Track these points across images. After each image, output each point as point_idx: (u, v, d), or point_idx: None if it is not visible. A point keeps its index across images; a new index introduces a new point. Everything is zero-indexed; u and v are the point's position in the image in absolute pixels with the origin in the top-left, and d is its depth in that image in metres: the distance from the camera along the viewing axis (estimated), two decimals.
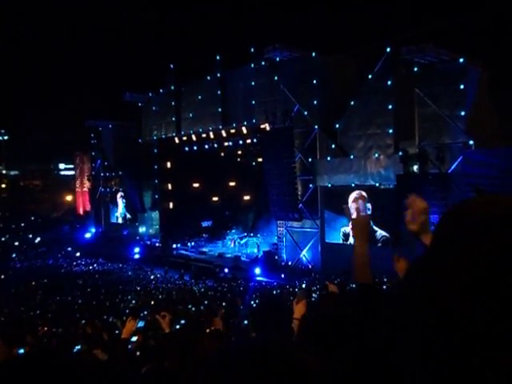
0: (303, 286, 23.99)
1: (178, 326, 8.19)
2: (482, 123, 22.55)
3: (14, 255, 42.88)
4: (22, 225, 58.16)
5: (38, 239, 50.21)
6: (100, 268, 36.35)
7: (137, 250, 39.24)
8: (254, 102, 31.47)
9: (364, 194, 26.32)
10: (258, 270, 29.11)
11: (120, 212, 45.54)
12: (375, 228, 25.28)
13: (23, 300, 24.04)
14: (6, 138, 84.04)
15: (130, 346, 5.34)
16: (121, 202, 45.26)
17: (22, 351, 6.28)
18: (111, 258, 38.39)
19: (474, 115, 22.66)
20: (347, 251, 25.96)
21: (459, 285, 0.64)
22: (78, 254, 41.44)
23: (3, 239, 50.71)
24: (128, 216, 44.41)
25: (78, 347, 7.00)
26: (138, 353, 5.70)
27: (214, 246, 39.53)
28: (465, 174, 21.39)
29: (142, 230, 42.47)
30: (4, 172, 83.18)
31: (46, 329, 12.35)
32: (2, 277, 32.71)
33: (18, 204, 67.50)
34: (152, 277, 31.53)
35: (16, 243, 48.68)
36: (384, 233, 25.13)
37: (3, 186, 78.77)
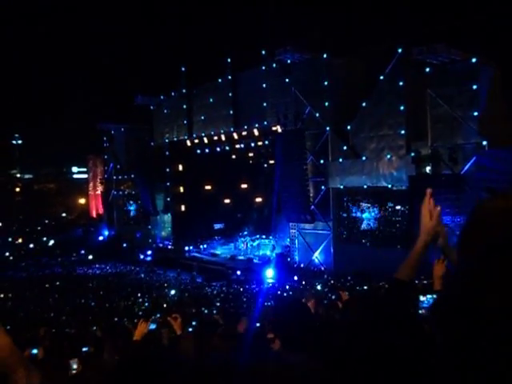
0: (319, 287, 23.94)
1: (190, 329, 8.20)
2: (495, 123, 22.34)
3: (28, 258, 43.31)
4: (38, 228, 58.62)
5: (52, 242, 50.60)
6: (113, 270, 36.57)
7: (149, 252, 39.46)
8: (265, 104, 31.50)
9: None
10: (270, 273, 29.09)
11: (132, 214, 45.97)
12: None
13: (37, 302, 24.25)
14: (20, 142, 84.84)
15: None
16: (133, 207, 45.65)
17: (35, 351, 6.33)
18: (124, 261, 38.62)
19: (487, 115, 22.46)
20: (360, 253, 25.95)
21: None
22: (90, 257, 41.72)
23: (17, 242, 51.16)
24: (140, 216, 44.61)
25: (85, 349, 7.02)
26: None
27: (226, 248, 39.57)
28: (478, 175, 21.22)
29: (154, 232, 42.64)
30: (18, 176, 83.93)
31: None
32: (17, 279, 33.04)
33: (32, 207, 68.02)
34: (164, 279, 31.64)
35: (31, 245, 49.14)
36: None
37: (17, 189, 79.41)
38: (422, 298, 2.10)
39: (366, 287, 20.11)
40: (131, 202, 46.11)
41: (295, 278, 27.75)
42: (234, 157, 40.36)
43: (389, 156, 25.42)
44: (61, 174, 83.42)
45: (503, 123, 22.82)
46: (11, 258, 44.24)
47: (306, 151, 28.61)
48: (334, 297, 17.68)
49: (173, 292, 25.69)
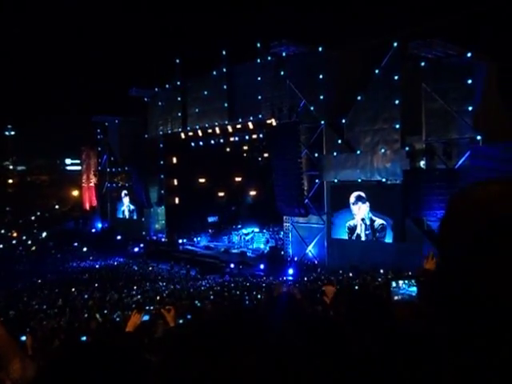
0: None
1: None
2: (490, 118, 22.38)
3: (20, 249, 43.18)
4: (32, 218, 58.45)
5: (44, 234, 50.44)
6: (106, 263, 36.47)
7: (141, 245, 39.37)
8: (260, 97, 31.39)
9: (363, 194, 26.30)
10: (263, 266, 29.11)
11: (125, 207, 45.61)
12: (374, 218, 25.78)
13: (30, 295, 24.18)
14: (13, 133, 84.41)
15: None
16: (126, 200, 45.33)
17: (23, 338, 6.32)
18: (117, 253, 38.51)
19: (482, 110, 22.49)
20: (353, 247, 26.01)
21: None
22: (84, 249, 41.60)
23: (10, 234, 50.99)
24: (132, 208, 44.35)
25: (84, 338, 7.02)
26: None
27: (220, 241, 39.57)
28: (472, 168, 21.25)
29: (147, 225, 42.55)
30: (11, 167, 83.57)
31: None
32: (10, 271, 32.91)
33: (24, 199, 67.76)
34: (157, 272, 31.60)
35: (23, 237, 48.98)
36: (381, 221, 25.37)
37: (10, 181, 79.11)
38: (394, 284, 2.06)
39: (355, 283, 20.16)
40: (122, 195, 45.89)
41: (290, 271, 27.76)
42: (228, 150, 40.29)
43: (383, 150, 25.43)
44: (54, 165, 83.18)
45: (498, 118, 22.88)
46: (4, 249, 44.08)
47: (301, 144, 28.57)
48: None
49: (165, 284, 25.67)
